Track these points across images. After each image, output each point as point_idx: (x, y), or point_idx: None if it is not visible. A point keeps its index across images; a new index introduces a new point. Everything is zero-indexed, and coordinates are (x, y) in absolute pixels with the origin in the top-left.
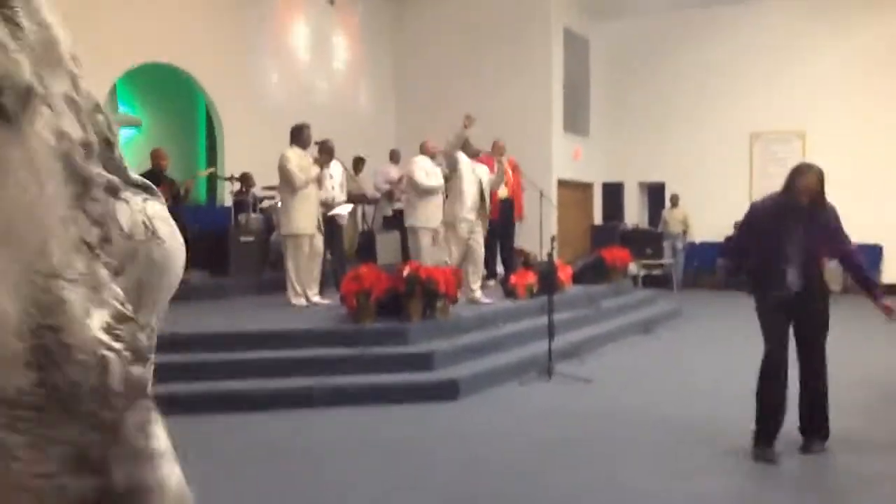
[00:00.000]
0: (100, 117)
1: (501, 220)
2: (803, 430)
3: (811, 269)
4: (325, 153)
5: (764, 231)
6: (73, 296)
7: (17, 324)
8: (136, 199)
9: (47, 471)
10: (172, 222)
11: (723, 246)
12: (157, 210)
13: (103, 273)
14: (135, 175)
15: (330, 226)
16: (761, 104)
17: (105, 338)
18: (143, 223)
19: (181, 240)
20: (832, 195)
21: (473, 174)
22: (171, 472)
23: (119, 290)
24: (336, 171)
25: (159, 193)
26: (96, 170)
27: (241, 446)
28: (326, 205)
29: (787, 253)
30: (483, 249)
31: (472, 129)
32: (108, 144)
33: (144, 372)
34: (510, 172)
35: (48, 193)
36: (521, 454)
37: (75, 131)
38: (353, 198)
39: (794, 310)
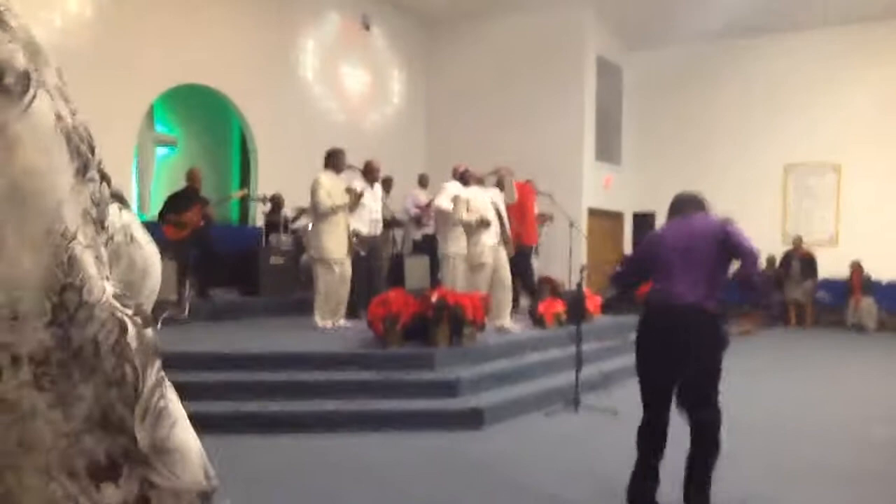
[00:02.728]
0: (82, 124)
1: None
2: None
3: None
4: (369, 174)
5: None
6: (88, 258)
7: (41, 281)
8: (113, 207)
9: (71, 429)
10: (145, 230)
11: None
12: (131, 218)
13: (104, 251)
14: (113, 185)
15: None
16: (796, 136)
17: (116, 303)
18: (123, 228)
19: (156, 247)
20: (866, 227)
21: (487, 199)
22: (189, 437)
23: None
24: (377, 194)
25: (129, 205)
26: (89, 155)
27: (264, 468)
28: (364, 230)
29: None
30: (509, 274)
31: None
32: (92, 151)
33: (155, 335)
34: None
35: (56, 162)
36: (546, 485)
37: (69, 118)
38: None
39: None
